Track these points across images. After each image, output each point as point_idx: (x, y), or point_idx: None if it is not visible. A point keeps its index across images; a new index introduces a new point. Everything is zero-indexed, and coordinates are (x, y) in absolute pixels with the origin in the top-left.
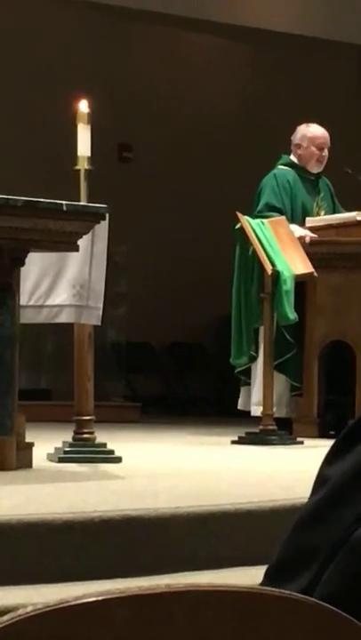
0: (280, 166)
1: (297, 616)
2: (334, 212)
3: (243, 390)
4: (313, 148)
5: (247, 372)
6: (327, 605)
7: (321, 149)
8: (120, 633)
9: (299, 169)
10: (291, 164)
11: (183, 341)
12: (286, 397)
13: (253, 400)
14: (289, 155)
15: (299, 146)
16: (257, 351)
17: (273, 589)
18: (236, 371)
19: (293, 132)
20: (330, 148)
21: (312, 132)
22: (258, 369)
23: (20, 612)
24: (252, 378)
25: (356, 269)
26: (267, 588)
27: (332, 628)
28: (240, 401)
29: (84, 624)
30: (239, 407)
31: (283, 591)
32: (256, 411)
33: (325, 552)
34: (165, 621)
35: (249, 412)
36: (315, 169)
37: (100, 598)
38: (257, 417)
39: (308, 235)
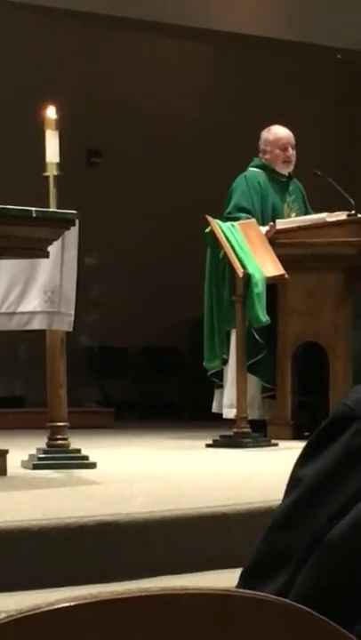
0: (251, 168)
1: (272, 618)
2: (306, 214)
3: (217, 393)
4: (277, 151)
5: (220, 375)
6: (302, 607)
7: (285, 149)
8: (94, 638)
9: (269, 171)
10: (262, 166)
11: (156, 345)
12: (258, 399)
13: (225, 402)
14: (261, 158)
15: (264, 151)
16: (228, 354)
17: (248, 591)
18: (208, 373)
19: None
20: (301, 149)
21: (274, 134)
22: (229, 371)
23: None
24: (224, 380)
25: (327, 270)
26: (242, 590)
27: (307, 629)
28: (214, 404)
29: (57, 630)
30: (213, 410)
31: (258, 593)
32: (228, 413)
33: (300, 553)
34: (139, 626)
35: (221, 414)
36: (284, 170)
37: (73, 604)
38: (231, 420)
39: (265, 228)
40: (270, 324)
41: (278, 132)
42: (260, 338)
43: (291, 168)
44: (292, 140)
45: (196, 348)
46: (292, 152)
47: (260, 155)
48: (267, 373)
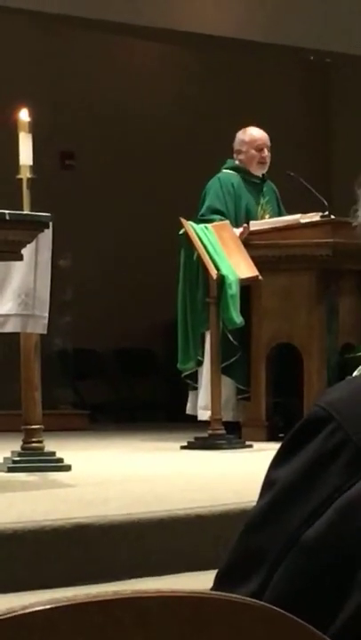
0: (225, 170)
1: (247, 620)
2: (280, 216)
3: (191, 395)
4: (252, 151)
5: (194, 376)
6: (277, 609)
7: (260, 150)
8: None
9: (243, 172)
10: (235, 168)
11: (130, 347)
12: (233, 401)
13: (200, 404)
14: (234, 159)
15: (239, 152)
16: (203, 355)
17: (222, 594)
18: (183, 375)
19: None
20: (274, 151)
21: (249, 134)
22: (204, 373)
23: None
24: (198, 382)
25: (300, 272)
26: (216, 592)
27: (281, 631)
28: (188, 405)
29: (31, 633)
30: (188, 412)
31: (232, 595)
32: (203, 415)
33: (275, 555)
34: (113, 629)
35: (195, 416)
36: (258, 171)
37: (47, 607)
38: (206, 421)
39: (239, 230)
40: (244, 325)
41: (254, 132)
42: (234, 340)
43: (265, 169)
44: (268, 142)
45: (170, 349)
46: (267, 153)
47: (235, 155)
48: (241, 375)
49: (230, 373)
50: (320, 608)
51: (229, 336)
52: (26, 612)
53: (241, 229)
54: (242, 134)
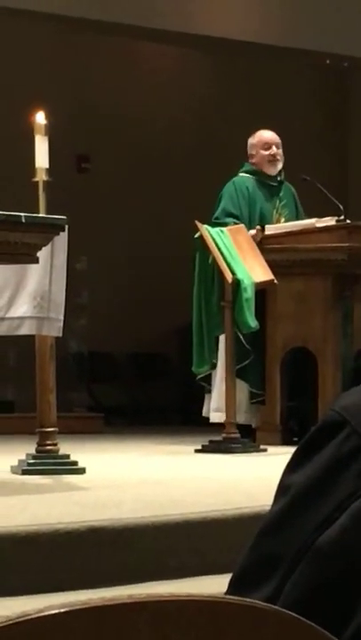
0: (241, 174)
1: (261, 625)
2: (297, 219)
3: (206, 398)
4: (261, 151)
5: (209, 379)
6: (291, 613)
7: (268, 149)
8: None
9: (259, 175)
10: (252, 172)
11: (145, 351)
12: (245, 404)
13: (212, 406)
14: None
15: (251, 156)
16: (217, 358)
17: (236, 598)
18: (197, 378)
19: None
20: (289, 155)
21: (257, 136)
22: (217, 376)
23: None
24: (212, 385)
25: (316, 276)
26: (230, 596)
27: (296, 636)
28: (204, 408)
29: (46, 637)
30: (204, 414)
31: (246, 600)
32: (215, 417)
33: (289, 560)
34: (128, 632)
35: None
36: (271, 170)
37: (62, 610)
38: (220, 425)
39: (253, 231)
40: (258, 329)
41: (262, 134)
42: (247, 343)
43: (278, 167)
44: (277, 140)
45: (184, 353)
46: (276, 150)
47: (249, 160)
48: (254, 379)
49: (243, 377)
50: (334, 613)
51: (242, 340)
52: (40, 616)
53: (254, 231)
54: (251, 138)
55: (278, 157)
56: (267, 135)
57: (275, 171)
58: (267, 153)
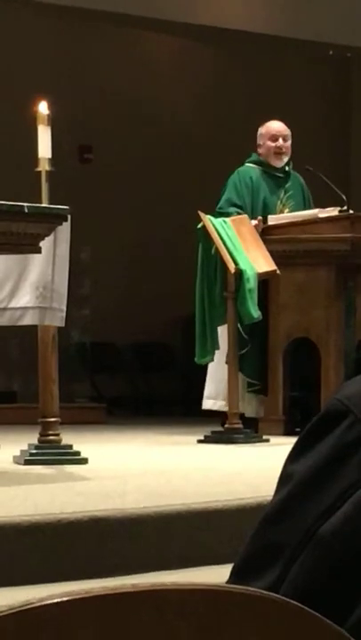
0: (247, 163)
1: (264, 613)
2: (305, 209)
3: None
4: (268, 142)
5: None
6: (294, 602)
7: (275, 140)
8: (85, 634)
9: (264, 166)
10: (257, 162)
11: (148, 341)
12: (240, 393)
13: (205, 393)
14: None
15: (259, 146)
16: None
17: (239, 587)
18: (204, 365)
19: (257, 131)
20: (293, 146)
21: (266, 127)
22: (212, 365)
23: None
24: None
25: (318, 266)
26: (233, 585)
27: (298, 624)
28: None
29: (48, 625)
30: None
31: (249, 589)
32: (207, 404)
33: (291, 549)
34: (131, 621)
35: (215, 411)
36: (277, 162)
37: (64, 599)
38: (223, 416)
39: (256, 222)
40: (260, 319)
41: (271, 124)
42: (244, 333)
43: (284, 160)
44: (285, 132)
45: (187, 344)
46: (283, 143)
47: (257, 150)
48: (251, 369)
49: (239, 366)
50: (336, 602)
51: (240, 329)
52: (42, 604)
53: (255, 222)
54: (261, 128)
55: (284, 150)
56: (275, 127)
57: (280, 163)
58: (273, 145)
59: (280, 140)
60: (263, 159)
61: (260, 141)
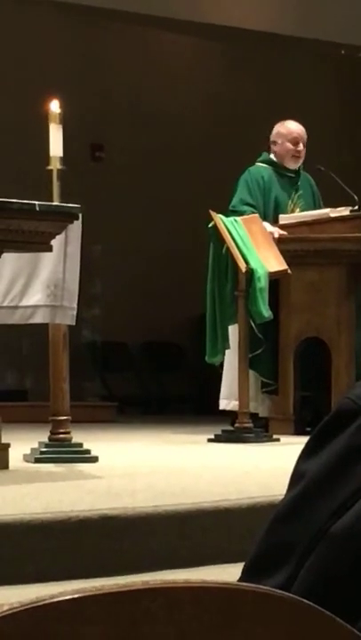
0: (258, 163)
1: (275, 611)
2: (315, 209)
3: None
4: (287, 144)
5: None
6: (305, 601)
7: (296, 144)
8: (96, 630)
9: (276, 166)
10: (269, 161)
11: (158, 340)
12: (253, 392)
13: (222, 394)
14: (269, 152)
15: (274, 142)
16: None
17: (251, 585)
18: (216, 364)
19: (269, 130)
20: (306, 145)
21: (286, 127)
22: (226, 365)
23: None
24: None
25: (329, 266)
26: (244, 583)
27: (310, 623)
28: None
29: (60, 622)
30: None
31: (260, 586)
32: (222, 404)
33: (303, 547)
34: (142, 619)
35: (225, 410)
36: (291, 165)
37: (75, 596)
38: (233, 414)
39: (277, 231)
40: (271, 319)
41: (292, 125)
42: (259, 333)
43: (298, 164)
44: (304, 137)
45: (198, 343)
46: (302, 148)
47: (271, 146)
48: (266, 368)
49: (254, 366)
50: (348, 600)
51: (255, 329)
52: (54, 601)
53: (277, 230)
54: (280, 126)
55: (302, 155)
56: (297, 129)
57: (295, 166)
58: (292, 147)
59: (300, 145)
60: (276, 159)
61: (277, 139)
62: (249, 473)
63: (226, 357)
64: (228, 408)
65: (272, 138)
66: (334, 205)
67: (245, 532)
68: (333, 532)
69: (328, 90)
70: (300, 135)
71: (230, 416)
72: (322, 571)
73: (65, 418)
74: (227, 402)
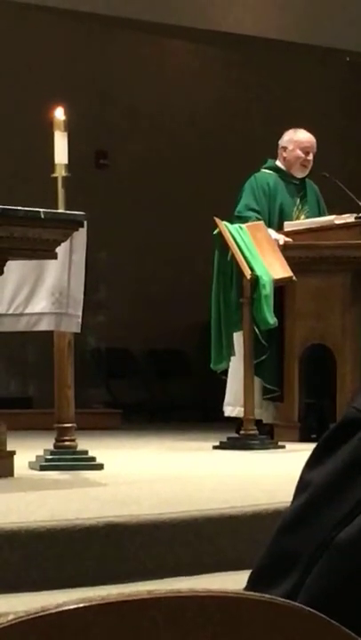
0: (263, 169)
1: (280, 621)
2: (319, 216)
3: None
4: (298, 151)
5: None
6: (310, 610)
7: (306, 153)
8: None
9: (282, 173)
10: (274, 168)
11: (163, 347)
12: (257, 399)
13: (226, 400)
14: (275, 159)
15: (285, 149)
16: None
17: (256, 594)
18: (219, 372)
19: (273, 136)
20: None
21: (299, 135)
22: (231, 371)
23: (1, 620)
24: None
25: (335, 273)
26: (249, 592)
27: (315, 632)
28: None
29: (65, 632)
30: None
31: (265, 596)
32: (227, 411)
33: (308, 556)
34: (147, 628)
35: (231, 417)
36: (298, 173)
37: (81, 605)
38: (238, 422)
39: (282, 238)
40: (276, 326)
41: (304, 135)
42: (263, 340)
43: (305, 174)
44: (315, 148)
45: (203, 350)
46: (311, 158)
47: (280, 151)
48: (270, 375)
49: (259, 373)
50: (353, 610)
51: (259, 336)
52: (60, 611)
53: (277, 238)
54: (292, 133)
55: (309, 165)
56: (310, 139)
57: (301, 175)
58: (302, 156)
59: (310, 155)
60: (284, 166)
61: (288, 145)
62: (254, 480)
63: (231, 364)
64: (233, 415)
65: (283, 144)
66: (339, 212)
67: (251, 539)
68: (339, 542)
69: (333, 96)
70: (312, 145)
71: (235, 423)
72: (327, 580)
73: (70, 425)
74: (231, 408)
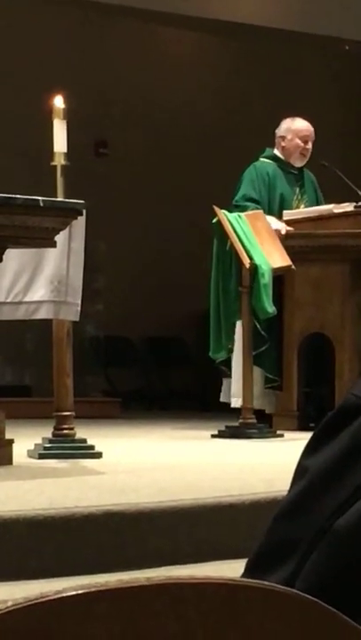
0: (262, 159)
1: (279, 607)
2: (317, 205)
3: (225, 382)
4: (297, 140)
5: (229, 363)
6: (309, 596)
7: (305, 142)
8: (100, 626)
9: (281, 162)
10: (273, 157)
11: (162, 336)
12: (258, 389)
13: (232, 391)
14: (273, 148)
15: (283, 138)
16: (233, 344)
17: (254, 581)
18: (217, 362)
19: (272, 125)
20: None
21: (297, 124)
22: (235, 361)
23: (0, 606)
24: (232, 370)
25: (333, 262)
26: (249, 579)
27: (313, 619)
28: (222, 394)
29: (64, 618)
30: (221, 399)
31: (264, 582)
32: (235, 402)
33: (306, 543)
34: (146, 615)
35: (229, 405)
36: (297, 162)
37: (80, 592)
38: (237, 410)
39: (284, 227)
40: (275, 315)
41: (302, 124)
42: (263, 330)
43: (304, 162)
44: (313, 136)
45: (201, 338)
46: (310, 147)
47: (278, 140)
48: (270, 365)
49: (259, 363)
50: (352, 597)
51: (258, 326)
52: (58, 597)
53: (279, 227)
54: (290, 121)
55: (308, 154)
56: (308, 127)
57: (300, 164)
58: (302, 145)
59: (309, 143)
60: (282, 155)
61: (286, 135)
62: (253, 468)
63: (235, 356)
64: (239, 405)
65: (281, 133)
66: (338, 201)
67: (249, 527)
68: (337, 529)
69: (332, 85)
70: (311, 134)
71: (234, 412)
72: (325, 567)
73: (69, 413)
74: (237, 399)
